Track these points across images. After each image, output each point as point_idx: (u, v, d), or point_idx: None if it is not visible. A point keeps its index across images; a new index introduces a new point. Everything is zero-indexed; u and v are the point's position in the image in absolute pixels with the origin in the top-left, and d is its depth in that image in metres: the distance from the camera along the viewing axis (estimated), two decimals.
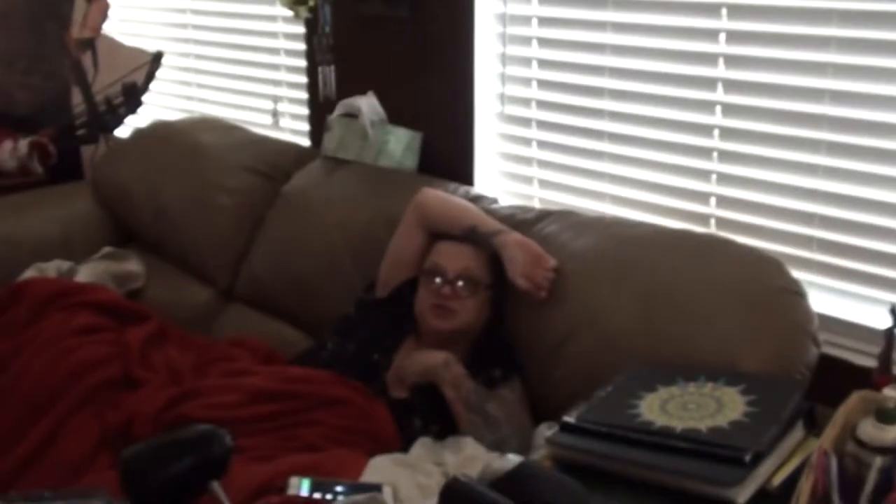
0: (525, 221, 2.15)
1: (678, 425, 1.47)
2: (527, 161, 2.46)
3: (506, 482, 1.27)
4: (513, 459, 1.30)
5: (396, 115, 2.60)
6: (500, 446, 1.80)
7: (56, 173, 3.22)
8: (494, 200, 2.34)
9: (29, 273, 2.57)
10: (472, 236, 2.05)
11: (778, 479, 1.41)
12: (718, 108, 2.05)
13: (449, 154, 2.52)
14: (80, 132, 3.35)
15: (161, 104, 3.52)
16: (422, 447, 1.82)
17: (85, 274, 2.61)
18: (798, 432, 1.51)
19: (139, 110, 3.29)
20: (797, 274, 1.85)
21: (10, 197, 2.98)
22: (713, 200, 2.11)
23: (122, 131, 3.30)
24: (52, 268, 2.62)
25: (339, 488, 1.56)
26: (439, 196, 2.20)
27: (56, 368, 2.06)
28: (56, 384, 2.02)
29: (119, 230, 2.98)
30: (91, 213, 3.00)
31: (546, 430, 1.77)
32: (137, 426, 1.91)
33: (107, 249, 2.78)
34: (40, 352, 2.11)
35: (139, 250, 2.86)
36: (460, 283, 2.01)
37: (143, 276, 2.75)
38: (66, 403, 1.99)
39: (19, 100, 3.34)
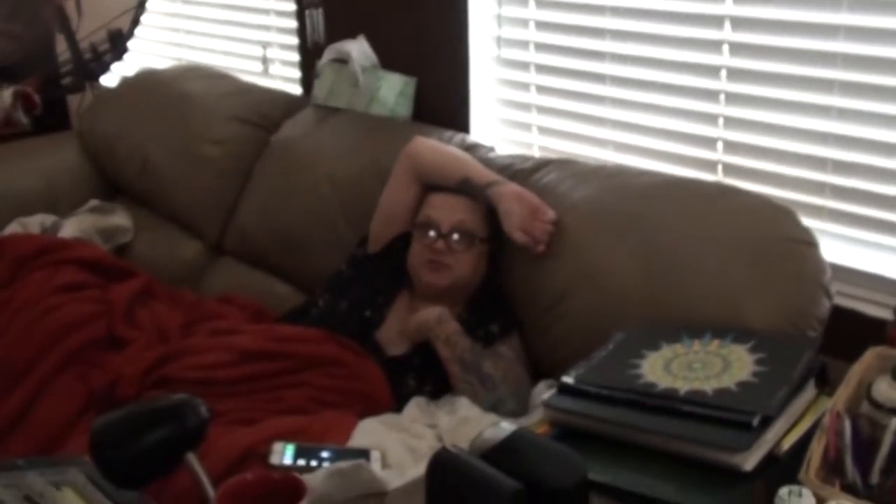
0: (522, 171, 2.06)
1: (682, 387, 1.40)
2: (525, 107, 2.37)
3: (497, 452, 1.20)
4: (505, 428, 1.23)
5: (389, 60, 2.50)
6: (495, 406, 1.74)
7: (42, 124, 3.15)
8: (491, 149, 2.25)
9: (11, 228, 2.50)
10: (466, 188, 1.97)
11: (788, 443, 1.34)
12: (726, 48, 1.95)
13: (444, 101, 2.42)
14: (66, 81, 3.26)
15: (148, 51, 3.41)
16: (415, 407, 1.75)
17: (70, 229, 2.53)
18: (809, 392, 1.44)
19: (125, 57, 3.19)
20: (809, 222, 1.76)
21: None
22: (720, 146, 2.01)
23: (109, 79, 3.20)
24: (35, 223, 2.54)
25: (324, 454, 1.50)
26: (432, 146, 2.10)
27: (38, 328, 1.99)
28: (38, 344, 1.95)
29: (106, 183, 2.90)
30: (77, 165, 2.92)
31: (545, 389, 1.71)
32: (122, 387, 1.84)
33: (93, 203, 2.71)
34: (22, 311, 2.04)
35: (126, 203, 2.79)
36: (455, 237, 1.92)
37: (132, 230, 2.68)
38: (49, 364, 1.92)
39: (1, 48, 3.24)
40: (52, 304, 2.04)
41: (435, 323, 1.84)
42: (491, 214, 1.94)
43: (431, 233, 1.94)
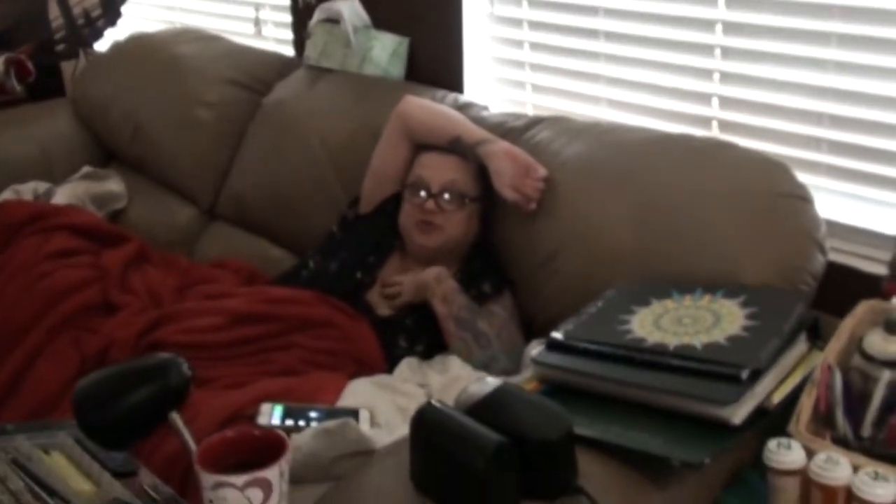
0: (515, 129, 2.04)
1: (672, 341, 1.38)
2: (519, 65, 2.33)
3: (482, 407, 1.19)
4: (490, 383, 1.22)
5: (381, 19, 2.47)
6: (488, 365, 1.73)
7: (36, 91, 3.13)
8: (484, 108, 2.22)
9: (4, 195, 2.50)
10: (456, 147, 1.94)
11: (778, 397, 1.33)
12: (721, 1, 1.91)
13: (437, 60, 2.39)
14: (59, 47, 3.25)
15: (140, 15, 3.37)
16: (407, 367, 1.75)
17: (63, 195, 2.52)
18: (801, 345, 1.43)
19: (119, 22, 3.16)
20: (804, 178, 1.73)
21: None
22: (715, 101, 1.98)
23: (102, 45, 3.17)
24: (28, 190, 2.54)
25: (312, 414, 1.49)
26: (422, 105, 2.08)
27: (31, 294, 1.99)
28: (31, 311, 1.95)
29: (100, 149, 2.89)
30: (71, 132, 2.90)
31: (537, 347, 1.69)
32: (115, 352, 1.84)
33: (86, 169, 2.69)
34: (14, 278, 2.04)
35: (120, 170, 2.77)
36: (446, 197, 1.91)
37: (125, 196, 2.67)
38: (43, 330, 1.92)
39: None
40: (45, 270, 2.04)
41: (433, 281, 1.83)
42: (482, 173, 1.92)
43: (422, 193, 1.92)
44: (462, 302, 1.82)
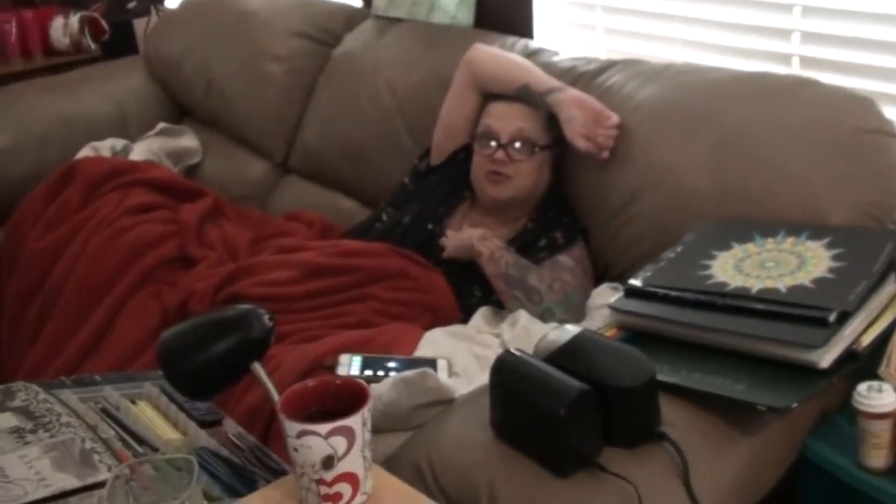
0: (586, 73, 1.99)
1: (755, 285, 1.35)
2: (590, 7, 2.28)
3: (561, 355, 1.18)
4: (570, 330, 1.21)
5: None
6: (543, 318, 1.71)
7: (110, 49, 3.18)
8: (555, 53, 2.17)
9: (83, 153, 2.53)
10: (525, 95, 1.91)
11: (867, 340, 1.28)
12: None
13: (506, 4, 2.34)
14: (132, 4, 3.29)
15: None
16: (481, 317, 1.74)
17: (139, 151, 2.56)
18: (890, 286, 1.38)
19: None
20: (891, 113, 1.66)
21: (64, 75, 2.91)
22: (796, 36, 1.91)
23: (173, 2, 3.19)
24: (106, 146, 2.57)
25: (391, 364, 1.50)
26: (490, 52, 2.04)
27: (112, 249, 2.02)
28: (112, 266, 1.99)
29: (174, 105, 2.91)
30: (145, 89, 2.92)
31: (607, 291, 1.67)
32: (194, 304, 1.87)
33: (161, 125, 2.72)
34: (96, 233, 2.07)
35: (194, 125, 2.80)
36: (516, 145, 1.88)
37: (199, 151, 2.70)
38: (124, 285, 1.96)
39: None
40: (124, 226, 2.07)
41: (478, 241, 1.82)
42: (552, 121, 1.89)
43: (492, 143, 1.90)
44: (509, 259, 1.80)
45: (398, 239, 1.94)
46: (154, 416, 1.31)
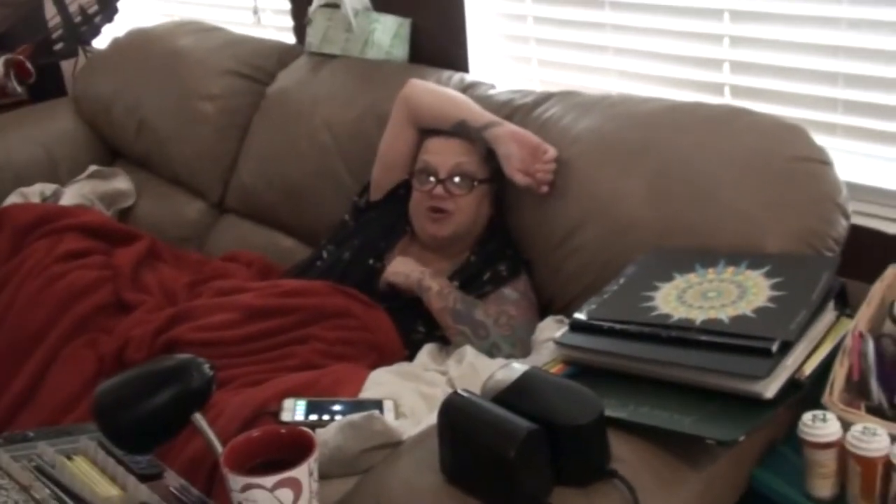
0: (523, 106, 2.00)
1: (698, 316, 1.36)
2: (523, 40, 2.30)
3: (509, 394, 1.17)
4: (517, 369, 1.20)
5: (381, 1, 2.43)
6: (490, 353, 1.70)
7: (37, 91, 3.11)
8: (491, 86, 2.18)
9: (11, 199, 2.48)
10: (462, 130, 1.91)
11: (809, 368, 1.30)
12: None
13: (440, 39, 2.36)
14: (58, 46, 3.22)
15: (138, 10, 3.34)
16: (427, 354, 1.73)
17: (71, 196, 2.51)
18: (829, 314, 1.40)
19: (116, 18, 3.13)
20: (821, 140, 1.69)
21: None
22: (727, 66, 1.95)
23: (101, 42, 3.14)
24: (35, 192, 2.52)
25: (336, 407, 1.47)
26: (426, 88, 2.04)
27: (44, 297, 1.97)
28: (45, 315, 1.93)
29: (105, 147, 2.87)
30: (75, 131, 2.88)
31: (552, 325, 1.67)
32: (131, 351, 1.82)
33: (93, 168, 2.67)
34: (26, 282, 2.02)
35: (126, 166, 2.76)
36: (455, 180, 1.87)
37: (133, 193, 2.65)
38: (58, 333, 1.90)
39: None
40: (57, 273, 2.02)
41: (429, 276, 1.81)
42: (490, 155, 1.89)
43: (430, 179, 1.89)
44: (457, 295, 1.79)
45: (339, 276, 1.92)
46: (91, 471, 1.26)
